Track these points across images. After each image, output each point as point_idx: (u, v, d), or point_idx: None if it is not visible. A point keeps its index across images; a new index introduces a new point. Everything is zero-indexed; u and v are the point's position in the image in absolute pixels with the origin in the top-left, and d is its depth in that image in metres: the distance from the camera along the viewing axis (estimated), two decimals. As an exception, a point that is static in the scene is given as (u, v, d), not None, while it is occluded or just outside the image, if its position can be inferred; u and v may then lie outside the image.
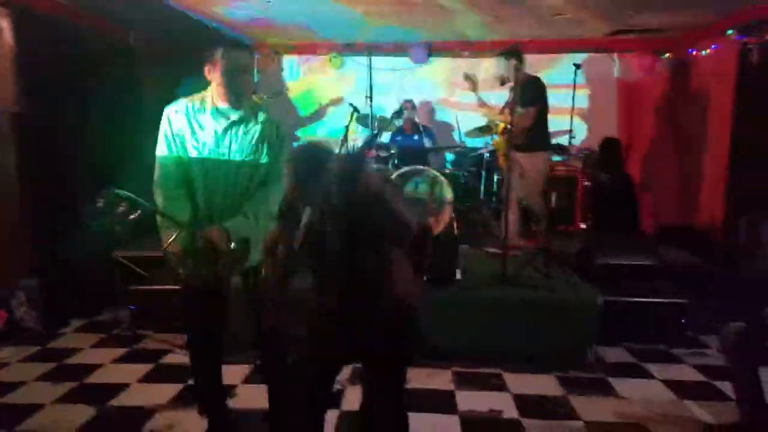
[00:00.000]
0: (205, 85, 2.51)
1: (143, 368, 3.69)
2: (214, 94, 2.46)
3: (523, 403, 3.26)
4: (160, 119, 2.48)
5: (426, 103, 6.75)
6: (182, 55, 5.45)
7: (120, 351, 3.98)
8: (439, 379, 3.55)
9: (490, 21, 5.80)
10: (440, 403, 3.26)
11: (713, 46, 5.66)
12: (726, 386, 3.43)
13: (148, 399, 3.26)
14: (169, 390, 3.36)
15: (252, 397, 3.23)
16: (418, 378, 3.52)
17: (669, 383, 3.56)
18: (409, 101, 6.10)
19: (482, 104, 4.91)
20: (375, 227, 2.07)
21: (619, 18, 5.71)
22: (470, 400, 3.28)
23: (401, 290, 2.12)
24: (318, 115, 6.58)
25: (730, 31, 5.30)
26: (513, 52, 4.62)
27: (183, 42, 5.65)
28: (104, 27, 5.15)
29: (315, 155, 2.09)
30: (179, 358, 3.81)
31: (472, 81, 4.68)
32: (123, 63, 5.40)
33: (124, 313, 4.37)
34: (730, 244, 5.10)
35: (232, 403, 3.12)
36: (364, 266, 2.08)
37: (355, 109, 4.89)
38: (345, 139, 4.76)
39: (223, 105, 2.46)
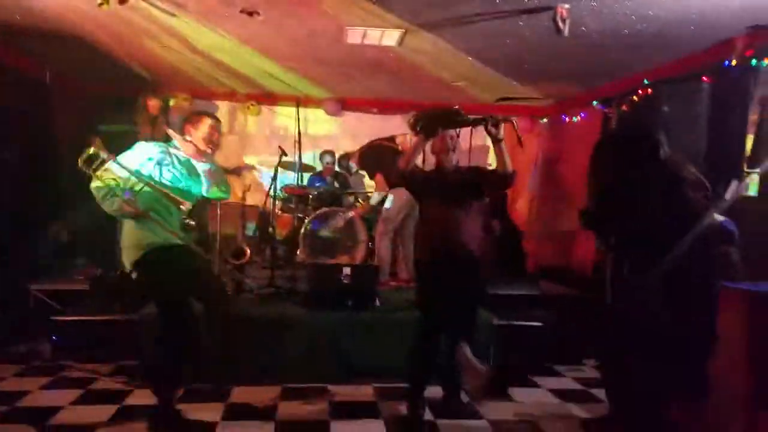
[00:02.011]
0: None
1: (73, 393, 3.75)
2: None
3: (436, 407, 3.70)
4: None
5: (351, 153, 7.30)
6: (97, 93, 5.65)
7: (45, 379, 4.00)
8: (363, 393, 3.96)
9: (397, 84, 6.51)
10: (366, 411, 3.66)
11: (582, 114, 6.71)
12: (598, 392, 4.10)
13: (86, 419, 3.36)
14: (105, 410, 3.47)
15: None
16: (344, 392, 3.91)
17: (554, 391, 4.19)
18: (329, 152, 6.62)
19: None
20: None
21: (505, 87, 6.63)
22: (392, 408, 3.68)
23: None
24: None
25: (594, 102, 6.36)
26: None
27: (98, 81, 5.83)
28: (20, 62, 5.25)
29: None
30: (108, 384, 3.92)
31: None
32: (36, 97, 5.49)
33: (41, 345, 4.40)
34: (599, 277, 5.97)
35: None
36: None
37: (283, 152, 5.30)
38: (275, 177, 5.15)
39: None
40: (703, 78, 4.47)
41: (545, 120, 7.68)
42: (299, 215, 5.92)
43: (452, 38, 4.80)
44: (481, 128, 3.43)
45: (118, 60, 5.66)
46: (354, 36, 4.80)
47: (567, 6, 3.92)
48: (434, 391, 3.73)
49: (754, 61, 4.02)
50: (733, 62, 4.14)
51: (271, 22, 4.54)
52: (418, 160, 3.93)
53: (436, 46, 5.03)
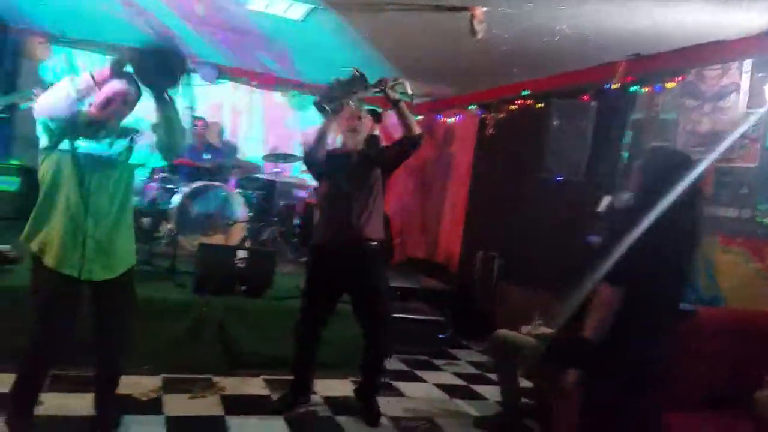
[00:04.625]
0: None
1: None
2: None
3: (332, 403, 3.61)
4: None
5: (215, 123, 6.79)
6: None
7: None
8: (253, 386, 3.71)
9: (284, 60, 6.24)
10: (260, 406, 3.43)
11: (458, 116, 6.97)
12: (479, 388, 4.31)
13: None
14: None
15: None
16: (233, 384, 3.65)
17: (439, 386, 4.27)
18: (201, 119, 6.08)
19: None
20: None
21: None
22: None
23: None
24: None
25: (472, 106, 6.64)
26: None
27: None
28: None
29: None
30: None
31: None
32: None
33: None
34: (465, 275, 6.27)
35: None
36: None
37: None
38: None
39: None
40: (585, 96, 4.87)
41: (419, 117, 7.86)
42: (169, 186, 5.44)
43: (356, 22, 4.69)
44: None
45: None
46: (258, 2, 4.47)
47: (484, 9, 4.02)
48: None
49: (633, 87, 4.46)
50: (614, 86, 4.56)
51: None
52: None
53: (337, 27, 4.88)
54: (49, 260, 2.43)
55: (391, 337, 3.57)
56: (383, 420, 3.47)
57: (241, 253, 3.94)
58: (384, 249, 3.46)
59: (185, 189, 5.16)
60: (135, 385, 3.37)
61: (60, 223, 2.43)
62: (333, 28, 4.92)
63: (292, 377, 3.45)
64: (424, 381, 4.35)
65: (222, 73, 6.79)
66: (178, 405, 3.27)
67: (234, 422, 3.16)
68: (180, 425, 3.06)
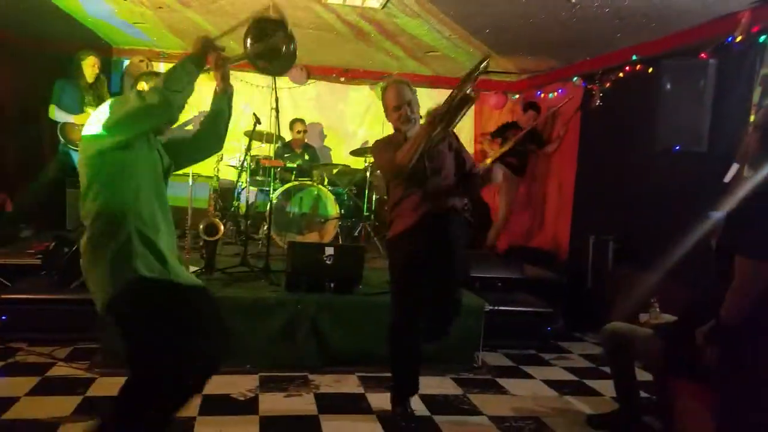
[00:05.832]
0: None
1: (28, 381, 3.29)
2: None
3: (430, 401, 3.43)
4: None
5: (314, 123, 6.87)
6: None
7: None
8: (348, 384, 3.64)
9: (369, 52, 6.12)
10: (355, 404, 3.34)
11: (560, 90, 6.50)
12: (593, 383, 3.96)
13: (45, 412, 2.92)
14: (67, 402, 3.01)
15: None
16: (328, 382, 3.61)
17: (548, 382, 3.96)
18: (300, 120, 6.17)
19: None
20: None
21: (478, 60, 6.30)
22: (382, 402, 3.36)
23: None
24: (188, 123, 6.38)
25: (575, 78, 6.15)
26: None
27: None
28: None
29: None
30: (67, 370, 3.47)
31: None
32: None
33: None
34: (575, 262, 5.83)
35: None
36: None
37: (257, 120, 4.88)
38: (248, 147, 4.70)
39: None
40: (702, 55, 4.31)
41: (517, 96, 7.46)
42: (265, 188, 5.53)
43: (441, 2, 4.46)
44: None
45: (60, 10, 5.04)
46: (337, -5, 4.40)
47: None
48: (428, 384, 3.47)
49: (762, 38, 3.87)
50: (738, 39, 3.98)
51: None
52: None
53: (421, 9, 4.67)
54: None
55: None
56: (485, 420, 3.26)
57: (329, 250, 3.88)
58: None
59: (280, 189, 5.22)
60: (232, 384, 3.42)
61: None
62: (416, 11, 4.73)
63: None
64: (531, 377, 4.06)
65: (311, 73, 6.83)
66: (274, 404, 3.26)
67: (328, 421, 3.09)
68: (275, 424, 3.03)
